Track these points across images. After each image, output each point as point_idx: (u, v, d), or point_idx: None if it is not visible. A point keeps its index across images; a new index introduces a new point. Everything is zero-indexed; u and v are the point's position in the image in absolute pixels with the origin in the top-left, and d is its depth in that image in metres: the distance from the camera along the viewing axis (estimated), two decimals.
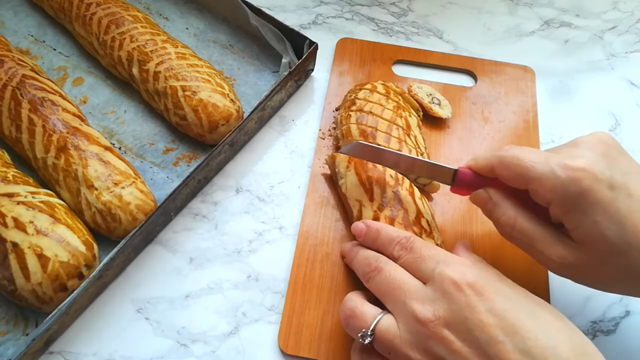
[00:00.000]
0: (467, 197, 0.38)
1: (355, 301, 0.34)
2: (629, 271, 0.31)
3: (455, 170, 0.37)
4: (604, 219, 0.30)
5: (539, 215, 0.33)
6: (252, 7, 0.50)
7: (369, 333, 0.32)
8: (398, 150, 0.41)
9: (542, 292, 0.41)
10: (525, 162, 0.32)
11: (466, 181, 0.36)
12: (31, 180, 0.41)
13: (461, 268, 0.31)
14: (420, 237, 0.38)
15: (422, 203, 0.41)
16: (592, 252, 0.31)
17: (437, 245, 0.38)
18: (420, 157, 0.38)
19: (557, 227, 0.33)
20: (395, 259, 0.34)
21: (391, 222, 0.38)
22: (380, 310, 0.33)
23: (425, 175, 0.38)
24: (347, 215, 0.43)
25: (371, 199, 0.40)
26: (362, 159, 0.40)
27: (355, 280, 0.40)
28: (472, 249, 0.37)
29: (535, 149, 0.34)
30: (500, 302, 0.29)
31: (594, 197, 0.30)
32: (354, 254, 0.38)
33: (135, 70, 0.47)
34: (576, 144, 0.33)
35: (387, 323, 0.31)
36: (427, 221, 0.39)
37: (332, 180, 0.45)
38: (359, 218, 0.40)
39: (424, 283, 0.32)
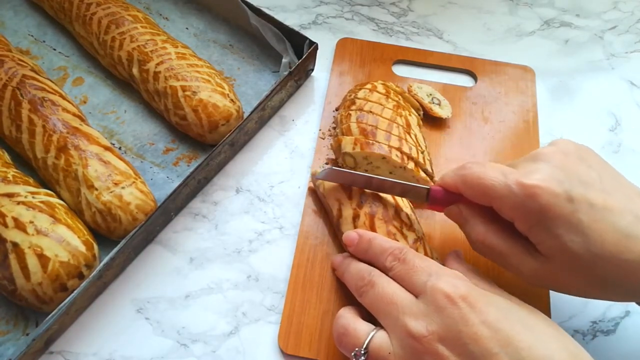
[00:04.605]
0: None
1: (348, 318, 0.34)
2: (599, 280, 0.31)
3: (428, 189, 0.37)
4: (566, 232, 0.30)
5: (508, 228, 0.33)
6: (252, 7, 0.50)
7: (363, 352, 0.31)
8: (398, 147, 0.41)
9: (542, 292, 0.41)
10: (485, 181, 0.33)
11: (438, 198, 0.37)
12: (31, 180, 0.41)
13: (453, 280, 0.30)
14: (402, 230, 0.38)
15: (400, 197, 0.41)
16: (559, 264, 0.31)
17: (419, 237, 0.39)
18: (392, 179, 0.39)
19: (526, 239, 0.33)
20: (387, 270, 0.34)
21: (371, 218, 0.38)
22: (372, 326, 0.33)
23: (399, 194, 0.39)
24: None
25: (349, 197, 0.40)
26: (335, 182, 0.41)
27: None
28: (469, 251, 0.37)
29: (497, 163, 0.34)
30: (493, 314, 0.29)
31: (553, 212, 0.30)
32: (345, 267, 0.38)
33: (135, 70, 0.47)
34: (535, 157, 0.33)
35: (380, 340, 0.31)
36: (407, 214, 0.39)
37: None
38: (339, 217, 0.40)
39: (417, 296, 0.31)
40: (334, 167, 0.40)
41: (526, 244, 0.33)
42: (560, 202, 0.30)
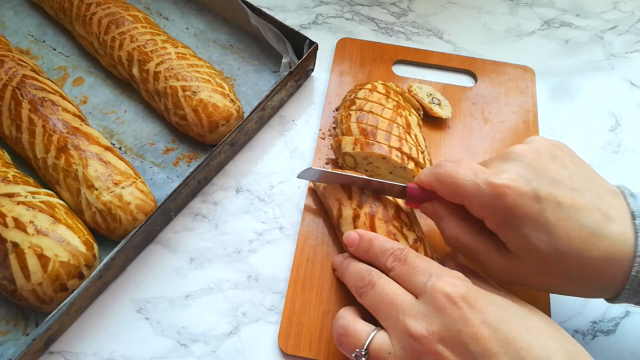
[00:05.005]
0: None
1: (348, 319, 0.34)
2: (566, 277, 0.31)
3: (405, 187, 0.38)
4: (532, 231, 0.31)
5: (479, 226, 0.34)
6: (252, 7, 0.50)
7: (363, 352, 0.31)
8: (398, 147, 0.42)
9: (542, 292, 0.41)
10: (456, 180, 0.33)
11: (414, 196, 0.38)
12: (31, 180, 0.41)
13: (453, 281, 0.31)
14: (402, 230, 0.38)
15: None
16: (528, 261, 0.32)
17: (419, 237, 0.39)
18: (370, 178, 0.39)
19: (496, 237, 0.33)
20: (388, 271, 0.34)
21: (371, 218, 0.38)
22: (373, 327, 0.33)
23: (378, 192, 0.40)
24: None
25: (349, 197, 0.40)
26: (319, 182, 0.41)
27: None
28: None
29: (471, 162, 0.34)
30: (493, 313, 0.29)
31: (520, 211, 0.31)
32: (345, 267, 0.38)
33: (135, 70, 0.47)
34: (506, 156, 0.33)
35: (380, 340, 0.31)
36: (407, 214, 0.40)
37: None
38: (339, 217, 0.40)
39: (417, 296, 0.31)
40: (312, 167, 0.41)
41: (496, 242, 0.33)
42: (527, 202, 0.31)
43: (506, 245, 0.32)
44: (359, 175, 0.39)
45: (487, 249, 0.34)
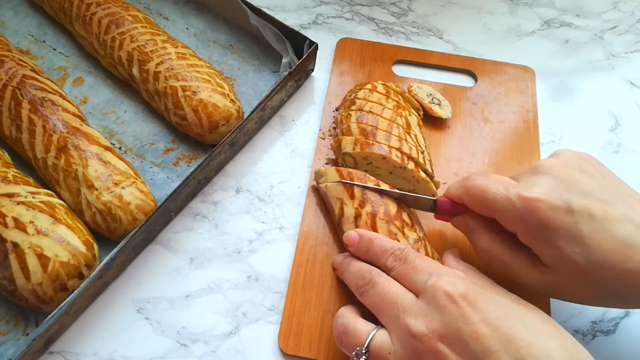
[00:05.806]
0: None
1: (348, 317, 0.34)
2: (601, 289, 0.31)
3: (435, 200, 0.38)
4: (566, 244, 0.31)
5: (512, 239, 0.34)
6: (252, 7, 0.50)
7: (364, 351, 0.31)
8: (398, 148, 0.42)
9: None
10: (488, 195, 0.33)
11: (445, 210, 0.38)
12: (31, 180, 0.41)
13: (453, 279, 0.31)
14: (403, 230, 0.38)
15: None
16: (562, 274, 0.32)
17: (420, 237, 0.39)
18: (398, 191, 0.39)
19: (529, 250, 0.33)
20: (388, 270, 0.34)
21: (373, 218, 0.38)
22: (373, 325, 0.33)
23: (408, 205, 0.40)
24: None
25: (352, 197, 0.40)
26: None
27: None
28: (470, 249, 0.37)
29: (500, 176, 0.35)
30: (493, 312, 0.29)
31: (553, 224, 0.31)
32: (345, 266, 0.38)
33: (135, 70, 0.47)
34: (536, 170, 0.33)
35: (381, 339, 0.31)
36: (408, 214, 0.40)
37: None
38: (341, 216, 0.40)
39: (417, 295, 0.32)
40: (342, 180, 0.40)
41: (530, 255, 0.33)
42: (560, 215, 0.31)
43: (540, 258, 0.32)
44: (389, 190, 0.39)
45: (520, 263, 0.34)
